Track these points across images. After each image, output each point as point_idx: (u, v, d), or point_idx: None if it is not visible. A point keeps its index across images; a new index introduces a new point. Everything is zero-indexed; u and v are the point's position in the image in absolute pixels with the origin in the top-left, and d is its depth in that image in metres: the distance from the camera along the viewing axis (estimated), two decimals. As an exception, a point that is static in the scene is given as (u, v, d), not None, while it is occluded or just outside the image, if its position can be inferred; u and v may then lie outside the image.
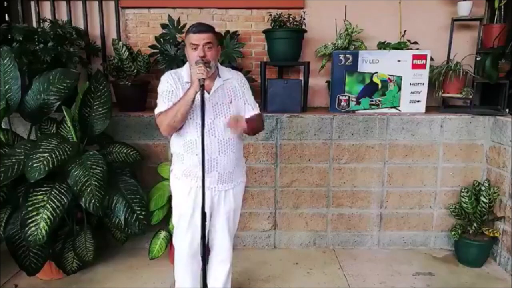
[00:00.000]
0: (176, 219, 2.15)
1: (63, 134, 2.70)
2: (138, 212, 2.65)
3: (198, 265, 2.14)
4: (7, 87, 2.55)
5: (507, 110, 3.06)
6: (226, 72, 2.10)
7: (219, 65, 2.07)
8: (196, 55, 1.89)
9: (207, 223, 1.96)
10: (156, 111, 2.00)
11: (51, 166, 2.28)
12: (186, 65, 2.05)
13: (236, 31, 3.33)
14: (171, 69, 2.18)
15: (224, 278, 2.27)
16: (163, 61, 3.11)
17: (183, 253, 2.15)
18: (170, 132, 1.99)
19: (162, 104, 1.97)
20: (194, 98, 1.86)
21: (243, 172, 2.21)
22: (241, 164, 2.18)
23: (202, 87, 1.82)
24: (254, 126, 2.07)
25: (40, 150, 2.34)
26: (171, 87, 1.99)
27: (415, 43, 3.21)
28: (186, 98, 1.87)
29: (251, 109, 2.12)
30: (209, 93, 1.97)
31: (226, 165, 2.03)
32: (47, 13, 3.38)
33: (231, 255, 2.27)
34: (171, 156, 2.17)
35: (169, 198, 2.49)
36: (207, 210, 1.92)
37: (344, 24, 3.27)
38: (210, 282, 2.19)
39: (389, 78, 3.13)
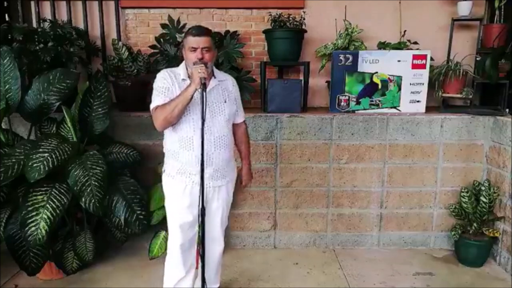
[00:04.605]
0: (171, 218, 2.19)
1: (63, 134, 2.70)
2: (138, 212, 2.66)
3: (190, 258, 2.19)
4: (7, 87, 2.55)
5: (507, 110, 3.07)
6: (220, 75, 2.20)
7: (214, 68, 2.15)
8: (195, 57, 1.97)
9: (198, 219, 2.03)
10: (152, 105, 2.04)
11: (51, 166, 2.28)
12: (182, 64, 2.12)
13: (236, 31, 3.34)
14: None
15: (217, 258, 2.35)
16: (163, 61, 3.12)
17: (177, 251, 2.18)
18: (165, 127, 2.03)
19: (159, 99, 2.02)
20: (193, 95, 1.91)
21: (234, 169, 2.28)
22: (233, 161, 2.25)
23: (203, 86, 1.87)
24: (249, 151, 2.38)
25: (40, 150, 2.34)
26: (167, 84, 2.04)
27: (415, 43, 3.21)
28: (185, 94, 1.91)
29: (241, 117, 2.28)
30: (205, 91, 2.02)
31: (220, 161, 2.10)
32: (47, 13, 3.38)
33: (223, 243, 2.34)
34: (163, 155, 2.20)
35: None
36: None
37: (344, 24, 3.27)
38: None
39: (389, 78, 3.13)
